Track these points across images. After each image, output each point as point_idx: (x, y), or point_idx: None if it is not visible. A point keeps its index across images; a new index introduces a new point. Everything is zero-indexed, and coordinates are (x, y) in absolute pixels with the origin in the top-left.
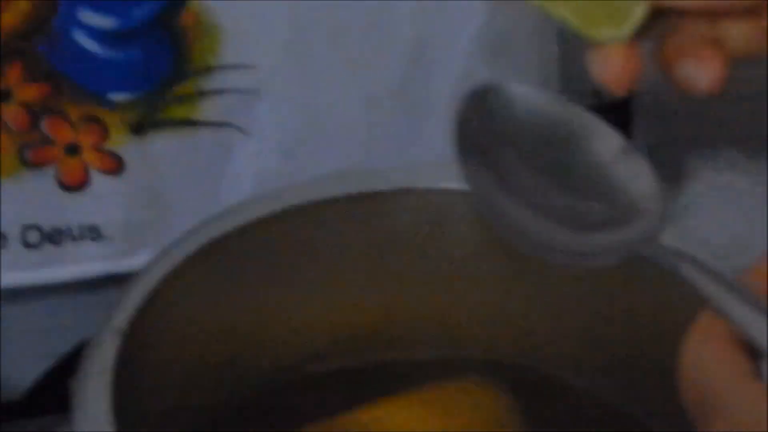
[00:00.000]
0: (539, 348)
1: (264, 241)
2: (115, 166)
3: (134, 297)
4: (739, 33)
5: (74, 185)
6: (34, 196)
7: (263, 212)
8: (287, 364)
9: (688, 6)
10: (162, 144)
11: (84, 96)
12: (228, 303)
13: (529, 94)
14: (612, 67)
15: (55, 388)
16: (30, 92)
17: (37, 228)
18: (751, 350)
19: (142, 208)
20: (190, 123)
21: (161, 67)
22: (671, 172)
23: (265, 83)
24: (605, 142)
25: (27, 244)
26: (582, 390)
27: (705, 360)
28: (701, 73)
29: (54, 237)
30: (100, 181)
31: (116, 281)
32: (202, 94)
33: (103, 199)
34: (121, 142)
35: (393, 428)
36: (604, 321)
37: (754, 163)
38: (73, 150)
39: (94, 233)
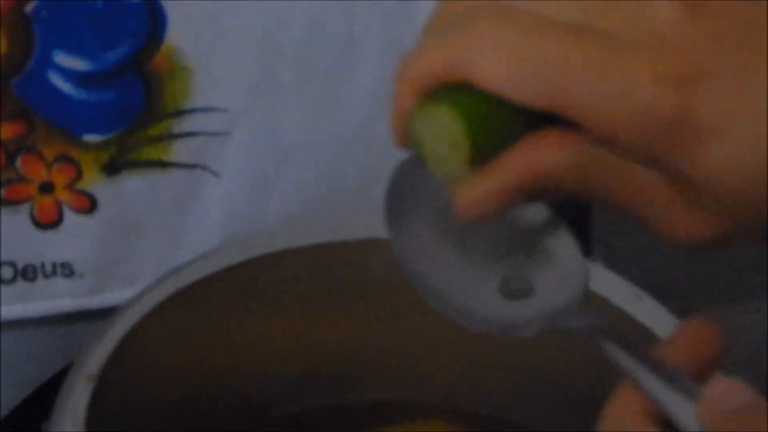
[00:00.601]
0: (498, 393)
1: (233, 287)
2: (88, 205)
3: (106, 341)
4: None
5: (48, 223)
6: (8, 233)
7: (234, 260)
8: (255, 406)
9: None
10: (134, 184)
11: (58, 136)
12: (198, 347)
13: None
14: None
15: (28, 421)
16: (6, 131)
17: (12, 264)
18: (669, 425)
19: (113, 246)
20: (161, 164)
21: (134, 109)
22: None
23: (234, 125)
24: (531, 212)
25: (1, 280)
26: None
27: None
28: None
29: (27, 273)
30: (72, 220)
31: (87, 316)
32: (173, 135)
33: (76, 237)
34: (93, 182)
35: None
36: (563, 366)
37: None
38: (47, 188)
39: (66, 270)
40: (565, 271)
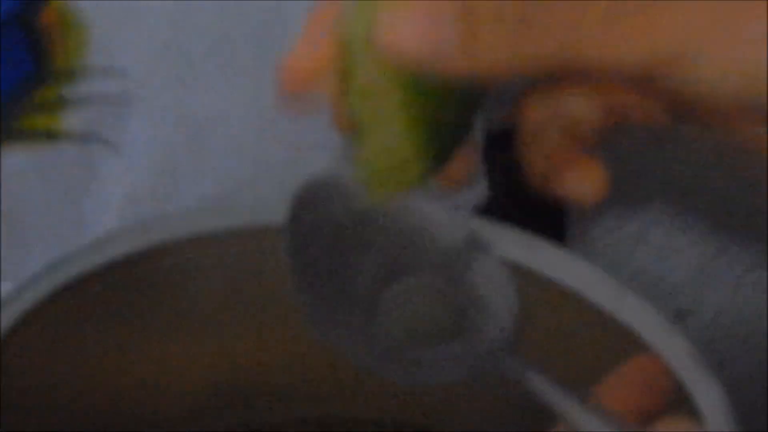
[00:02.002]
0: (448, 409)
1: (131, 282)
2: None
3: None
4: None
5: None
6: None
7: (131, 247)
8: (163, 425)
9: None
10: (18, 159)
11: None
12: (86, 355)
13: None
14: None
15: None
16: None
17: None
18: None
19: None
20: (50, 135)
21: (18, 70)
22: (617, 197)
23: (140, 91)
24: (452, 234)
25: None
26: None
27: None
28: (583, 187)
29: None
30: None
31: None
32: (65, 101)
33: None
34: None
35: None
36: None
37: (708, 191)
38: None
39: None
40: (491, 303)
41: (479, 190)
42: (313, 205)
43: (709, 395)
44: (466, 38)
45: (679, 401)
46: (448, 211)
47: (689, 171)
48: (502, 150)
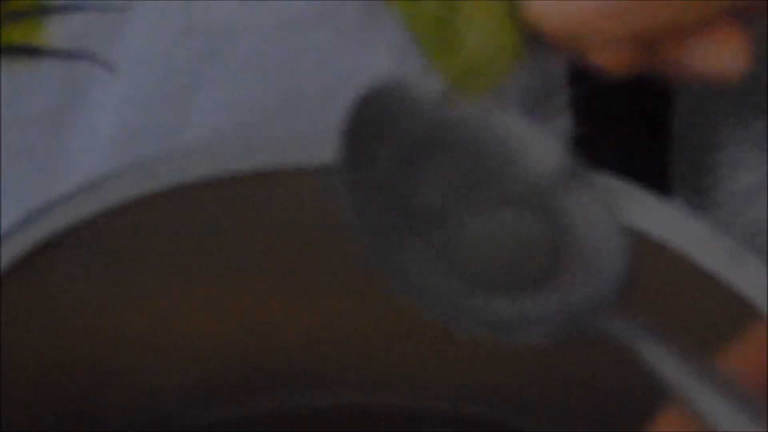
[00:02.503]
0: (492, 394)
1: (130, 234)
2: None
3: None
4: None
5: None
6: None
7: (131, 193)
8: (170, 409)
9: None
10: None
11: None
12: (74, 319)
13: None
14: None
15: None
16: None
17: None
18: None
19: None
20: (31, 51)
21: None
22: (731, 139)
23: None
24: (546, 162)
25: None
26: None
27: None
28: (728, 55)
29: None
30: None
31: None
32: (48, 10)
33: None
34: None
35: None
36: (562, 365)
37: None
38: None
39: None
40: (594, 247)
41: (563, 126)
42: (374, 121)
43: None
44: None
45: None
46: (541, 133)
47: None
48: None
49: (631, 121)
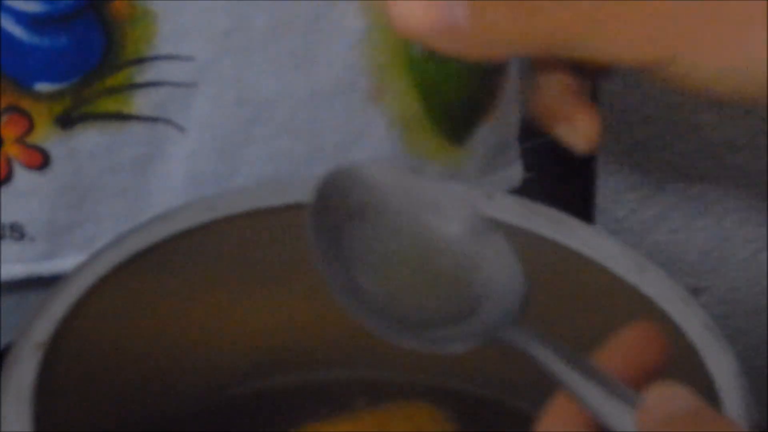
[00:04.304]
0: (478, 372)
1: (194, 252)
2: (40, 160)
3: (56, 307)
4: None
5: None
6: None
7: (195, 221)
8: (222, 381)
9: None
10: (90, 139)
11: (8, 85)
12: (155, 315)
13: (385, 173)
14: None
15: None
16: None
17: None
18: None
19: (67, 207)
20: (121, 117)
21: (91, 56)
22: (640, 181)
23: (202, 76)
24: (465, 217)
25: None
26: (522, 413)
27: None
28: (577, 135)
29: None
30: (23, 177)
31: (39, 284)
32: (134, 86)
33: (27, 196)
34: (46, 136)
35: None
36: None
37: (725, 169)
38: None
39: (16, 233)
40: (500, 280)
41: (517, 172)
42: (334, 191)
43: (722, 363)
44: (474, 16)
45: (693, 368)
46: (460, 194)
47: (706, 157)
48: (540, 133)
49: (566, 168)
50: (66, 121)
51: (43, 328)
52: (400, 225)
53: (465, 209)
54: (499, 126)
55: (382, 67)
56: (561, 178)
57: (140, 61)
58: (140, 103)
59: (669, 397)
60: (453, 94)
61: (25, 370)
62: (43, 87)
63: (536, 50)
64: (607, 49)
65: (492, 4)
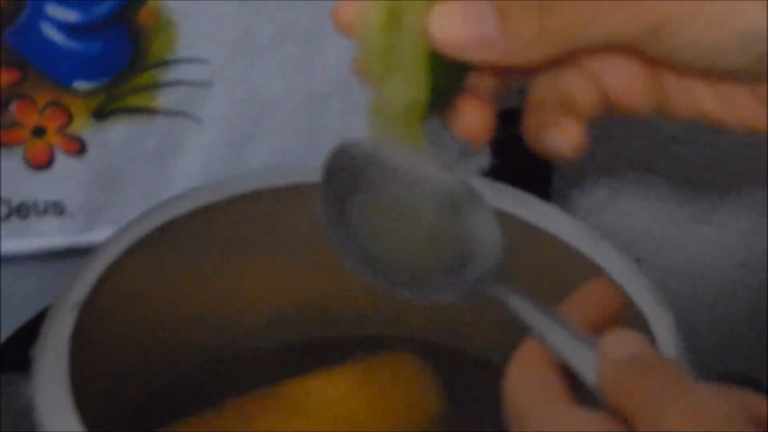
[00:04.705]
0: (460, 328)
1: (213, 224)
2: (78, 148)
3: (91, 273)
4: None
5: (40, 165)
6: (3, 174)
7: (213, 198)
8: (233, 337)
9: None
10: (121, 130)
11: (50, 83)
12: (178, 280)
13: (383, 148)
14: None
15: (20, 350)
16: (1, 79)
17: (6, 203)
18: (570, 376)
19: (101, 188)
20: (147, 111)
21: (121, 59)
22: (592, 168)
23: (216, 77)
24: (452, 186)
25: None
26: (493, 365)
27: (523, 381)
28: (562, 142)
29: (21, 211)
30: (63, 162)
31: (76, 253)
32: (158, 85)
33: (66, 179)
34: (83, 127)
35: (328, 397)
36: None
37: (667, 158)
38: (39, 132)
39: (57, 209)
40: (483, 241)
41: (486, 158)
42: (339, 164)
43: (661, 323)
44: (502, 30)
45: (636, 326)
46: (449, 169)
47: (651, 148)
48: (507, 124)
49: (528, 156)
50: (100, 115)
51: (78, 291)
52: (396, 193)
53: (452, 179)
54: None
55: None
56: (523, 164)
57: (163, 63)
58: (163, 99)
59: (623, 341)
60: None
61: (62, 327)
62: (80, 85)
63: (557, 50)
64: (603, 30)
65: (514, 11)
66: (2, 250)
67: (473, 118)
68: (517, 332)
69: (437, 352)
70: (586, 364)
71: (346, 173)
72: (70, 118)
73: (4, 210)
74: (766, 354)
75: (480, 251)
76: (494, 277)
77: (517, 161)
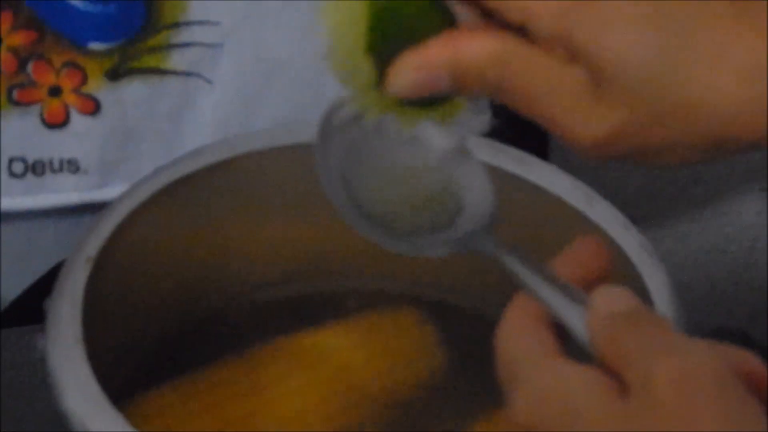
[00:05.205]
0: (458, 283)
1: (223, 181)
2: (93, 107)
3: (104, 227)
4: None
5: (56, 123)
6: (20, 132)
7: (223, 156)
8: (240, 290)
9: None
10: (134, 90)
11: (66, 44)
12: (189, 235)
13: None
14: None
15: (35, 303)
16: (18, 39)
17: (23, 160)
18: (561, 330)
19: (115, 146)
20: (159, 72)
21: (135, 21)
22: None
23: (227, 38)
24: (446, 145)
25: (12, 174)
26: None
27: (514, 336)
28: None
29: (37, 168)
30: (79, 121)
31: (91, 209)
32: (171, 46)
33: (81, 137)
34: (98, 87)
35: (330, 351)
36: None
37: None
38: (55, 92)
39: (72, 166)
40: (474, 197)
41: (486, 118)
42: (336, 123)
43: (656, 279)
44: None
45: (631, 282)
46: (441, 129)
47: None
48: None
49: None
50: (114, 75)
51: (92, 246)
52: (392, 152)
53: (446, 139)
54: None
55: None
56: (523, 124)
57: (175, 25)
58: (175, 60)
59: (613, 297)
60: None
61: (77, 279)
62: (95, 46)
63: None
64: None
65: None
66: (18, 206)
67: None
68: (514, 287)
69: (436, 307)
70: (577, 319)
71: (342, 132)
72: (85, 78)
73: (21, 167)
74: (755, 309)
75: (473, 207)
76: (486, 233)
77: (517, 122)
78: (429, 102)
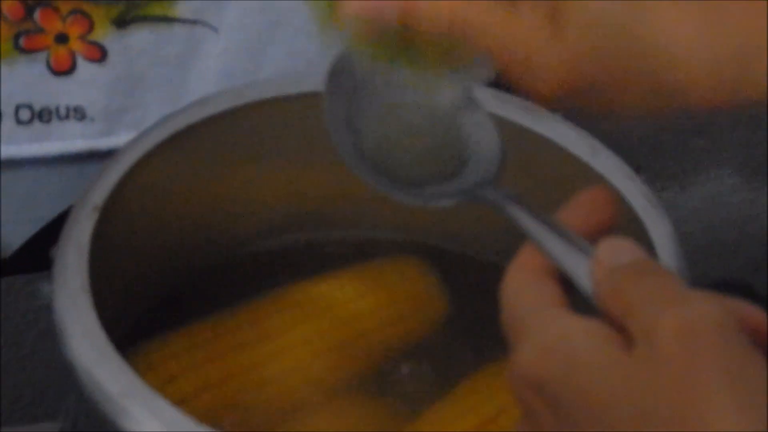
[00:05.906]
0: (464, 232)
1: (229, 130)
2: (99, 55)
3: (111, 176)
4: None
5: (63, 70)
6: (26, 79)
7: (229, 105)
8: (244, 239)
9: None
10: (141, 38)
11: None
12: (195, 184)
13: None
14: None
15: (41, 250)
16: None
17: (29, 107)
18: (565, 282)
19: (121, 93)
20: (166, 20)
21: None
22: None
23: None
24: (452, 94)
25: (19, 121)
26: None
27: (519, 287)
28: None
29: (44, 115)
30: (85, 68)
31: (97, 157)
32: None
33: (88, 84)
34: (104, 34)
35: (335, 300)
36: None
37: None
38: (62, 39)
39: (78, 113)
40: (480, 147)
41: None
42: (343, 72)
43: (660, 230)
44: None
45: (635, 232)
46: (448, 78)
47: None
48: None
49: None
50: (121, 22)
51: (99, 193)
52: (399, 102)
53: (453, 89)
54: None
55: None
56: None
57: None
58: (182, 8)
59: (618, 248)
60: None
61: (83, 228)
62: None
63: None
64: None
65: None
66: (25, 153)
67: None
68: (520, 236)
69: (442, 255)
70: (582, 271)
71: (349, 81)
72: (91, 25)
73: (27, 114)
74: (757, 260)
75: (479, 157)
76: (492, 183)
77: None
78: (436, 51)
